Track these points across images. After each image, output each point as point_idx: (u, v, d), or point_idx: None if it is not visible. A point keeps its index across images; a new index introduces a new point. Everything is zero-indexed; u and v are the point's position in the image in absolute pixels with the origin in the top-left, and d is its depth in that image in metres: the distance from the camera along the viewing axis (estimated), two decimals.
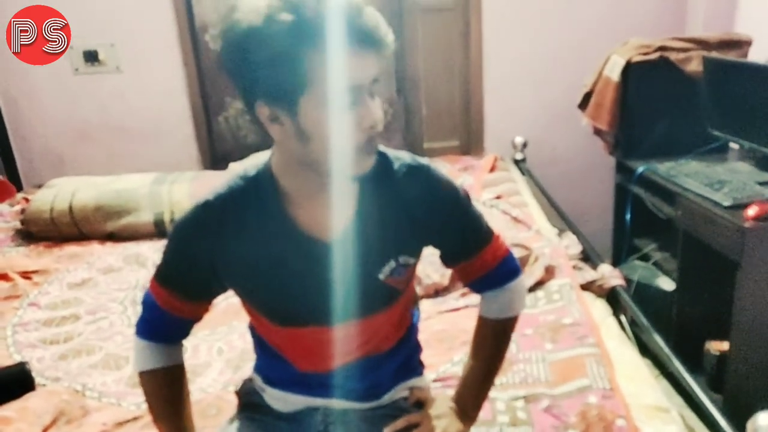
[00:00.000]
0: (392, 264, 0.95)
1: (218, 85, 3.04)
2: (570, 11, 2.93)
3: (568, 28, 2.94)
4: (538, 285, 1.79)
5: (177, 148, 3.08)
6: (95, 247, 2.38)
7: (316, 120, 0.80)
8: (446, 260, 1.06)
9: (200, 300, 1.01)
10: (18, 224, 2.52)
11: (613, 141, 2.60)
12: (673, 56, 2.36)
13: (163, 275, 0.98)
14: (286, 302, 0.95)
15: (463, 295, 1.79)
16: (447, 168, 2.60)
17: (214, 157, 3.13)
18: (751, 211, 1.76)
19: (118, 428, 1.35)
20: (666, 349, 1.46)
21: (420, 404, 1.09)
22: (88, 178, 2.66)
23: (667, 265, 2.37)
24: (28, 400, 1.43)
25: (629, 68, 2.38)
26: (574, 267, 1.89)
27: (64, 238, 2.45)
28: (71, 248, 2.38)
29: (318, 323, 0.96)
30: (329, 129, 0.80)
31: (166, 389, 1.04)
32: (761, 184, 1.97)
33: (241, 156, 2.78)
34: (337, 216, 0.91)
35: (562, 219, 2.33)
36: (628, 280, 2.04)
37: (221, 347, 1.66)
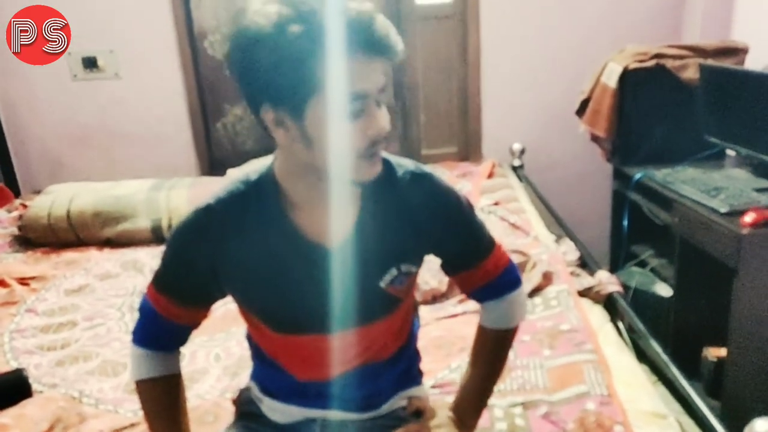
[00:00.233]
0: (393, 272, 0.94)
1: (217, 92, 3.05)
2: (567, 19, 2.94)
3: (566, 35, 2.95)
4: (536, 291, 1.79)
5: (175, 154, 3.08)
6: (93, 254, 2.38)
7: (321, 126, 0.79)
8: (447, 269, 1.05)
9: (199, 306, 0.99)
10: (15, 230, 2.52)
11: (611, 148, 2.61)
12: (669, 63, 2.37)
13: (162, 281, 0.97)
14: (285, 308, 0.94)
15: (461, 301, 1.79)
16: (445, 174, 2.61)
17: (212, 164, 3.13)
18: (748, 218, 1.76)
19: None
20: (663, 356, 1.46)
21: (418, 413, 1.08)
22: (86, 184, 2.66)
23: (665, 271, 2.37)
24: (25, 407, 1.42)
25: (626, 75, 2.40)
26: (572, 273, 1.90)
27: (62, 244, 2.44)
28: (69, 254, 2.38)
29: (317, 331, 0.95)
30: (334, 136, 0.80)
31: (164, 399, 1.02)
32: (758, 190, 1.98)
33: (239, 162, 2.79)
34: (339, 222, 0.90)
35: (560, 225, 2.33)
36: (625, 287, 2.04)
37: (219, 354, 1.66)
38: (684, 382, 1.34)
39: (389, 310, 0.99)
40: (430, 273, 1.83)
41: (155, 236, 2.42)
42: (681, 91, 2.38)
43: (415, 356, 1.14)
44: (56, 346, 1.75)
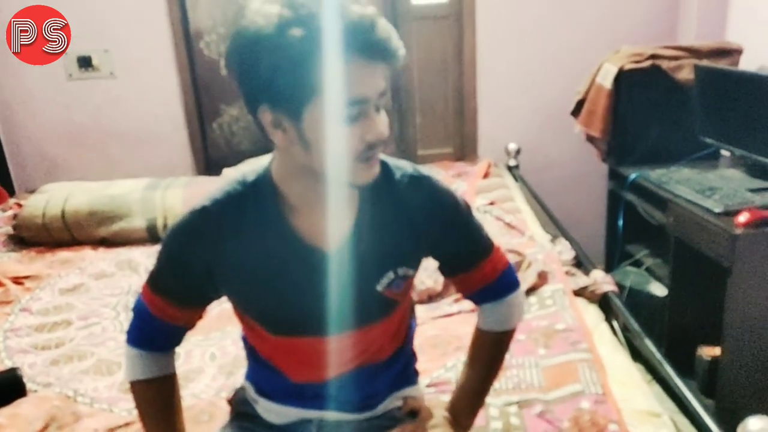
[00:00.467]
0: (391, 275, 0.94)
1: (212, 92, 3.04)
2: (563, 19, 2.95)
3: (561, 36, 2.96)
4: (531, 291, 1.79)
5: (171, 154, 3.07)
6: (87, 253, 2.37)
7: (319, 129, 0.78)
8: (445, 271, 1.05)
9: (194, 307, 0.99)
10: (10, 230, 2.51)
11: (606, 148, 2.62)
12: (664, 64, 2.38)
13: (157, 282, 0.96)
14: (282, 311, 0.94)
15: (457, 300, 1.80)
16: (441, 174, 2.61)
17: (208, 164, 3.13)
18: (742, 218, 1.77)
19: None
20: (658, 355, 1.47)
21: (414, 414, 1.08)
22: (81, 184, 2.66)
23: (659, 270, 2.38)
24: (20, 406, 1.41)
25: (621, 76, 2.40)
26: (567, 273, 1.90)
27: (57, 243, 2.44)
28: (63, 254, 2.37)
29: (314, 333, 0.95)
30: (332, 139, 0.79)
31: (158, 399, 1.02)
32: (752, 191, 1.98)
33: (234, 162, 2.79)
34: (336, 225, 0.89)
35: (555, 225, 2.34)
36: (620, 286, 2.05)
37: (214, 353, 1.66)
38: (678, 381, 1.35)
39: (386, 313, 0.99)
40: (426, 272, 1.84)
41: (150, 236, 2.41)
42: (676, 92, 2.38)
43: (412, 356, 1.14)
44: (51, 345, 1.75)
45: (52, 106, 2.98)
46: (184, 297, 0.95)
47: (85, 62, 2.91)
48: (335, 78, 0.76)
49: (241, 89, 0.82)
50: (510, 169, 2.95)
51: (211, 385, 1.52)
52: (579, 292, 1.81)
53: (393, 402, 1.09)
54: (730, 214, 1.82)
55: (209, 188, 0.92)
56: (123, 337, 1.02)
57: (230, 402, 1.15)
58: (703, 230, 1.90)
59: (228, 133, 3.12)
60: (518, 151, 2.96)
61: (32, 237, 2.45)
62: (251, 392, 1.09)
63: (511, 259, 1.80)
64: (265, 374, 1.05)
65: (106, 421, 1.38)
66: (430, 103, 3.13)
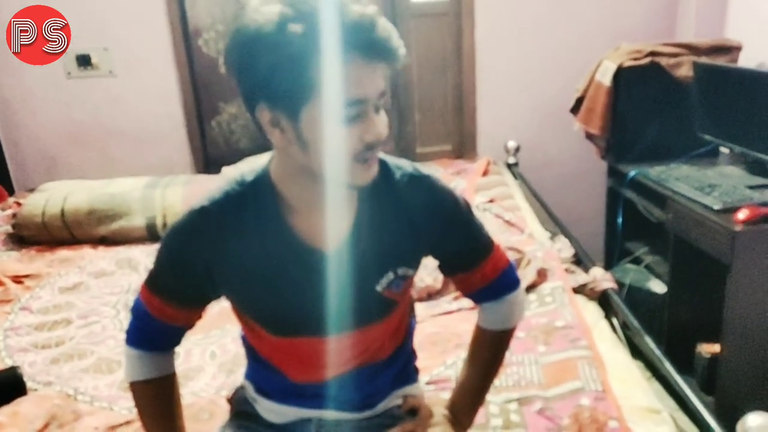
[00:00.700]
0: (390, 276, 0.94)
1: (211, 90, 3.04)
2: (562, 17, 2.95)
3: (561, 33, 2.96)
4: (531, 288, 1.80)
5: (170, 153, 3.07)
6: (87, 251, 2.37)
7: (317, 129, 0.78)
8: (445, 271, 1.05)
9: (193, 307, 0.98)
10: (9, 228, 2.51)
11: (605, 145, 2.61)
12: (663, 61, 2.38)
13: (155, 282, 0.95)
14: (281, 311, 0.93)
15: (456, 298, 1.80)
16: (440, 172, 2.61)
17: (207, 162, 3.12)
18: (741, 215, 1.77)
19: None
20: (657, 352, 1.47)
21: (414, 412, 1.08)
22: (80, 182, 2.65)
23: (659, 268, 2.38)
24: (20, 405, 1.42)
25: (620, 73, 2.40)
26: (567, 270, 1.90)
27: (56, 242, 2.44)
28: (63, 252, 2.37)
29: (313, 334, 0.94)
30: (330, 140, 0.78)
31: (158, 399, 1.02)
32: (751, 187, 1.98)
33: (234, 161, 2.79)
34: (335, 226, 0.89)
35: (555, 222, 2.34)
36: (619, 283, 2.05)
37: (214, 351, 1.66)
38: (678, 378, 1.35)
39: (386, 313, 0.98)
40: (426, 270, 1.84)
41: (150, 234, 2.41)
42: (675, 89, 2.38)
43: (412, 355, 1.14)
44: (51, 343, 1.75)
45: (52, 104, 2.98)
46: (183, 297, 0.95)
47: (84, 61, 2.91)
48: (334, 78, 0.75)
49: (239, 87, 0.81)
50: (509, 166, 2.95)
51: (211, 383, 1.52)
52: (578, 290, 1.81)
53: (393, 400, 1.09)
54: (730, 211, 1.82)
55: (208, 188, 0.91)
56: (123, 335, 1.01)
57: (230, 401, 1.15)
58: (702, 227, 1.90)
59: (227, 131, 3.11)
60: (517, 149, 2.96)
61: (32, 236, 2.45)
62: (251, 391, 1.09)
63: (511, 256, 1.79)
64: (264, 373, 1.05)
65: (106, 419, 1.38)
66: (429, 101, 3.12)
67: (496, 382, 1.37)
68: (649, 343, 1.52)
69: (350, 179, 0.83)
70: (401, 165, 0.94)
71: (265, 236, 0.88)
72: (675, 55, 2.39)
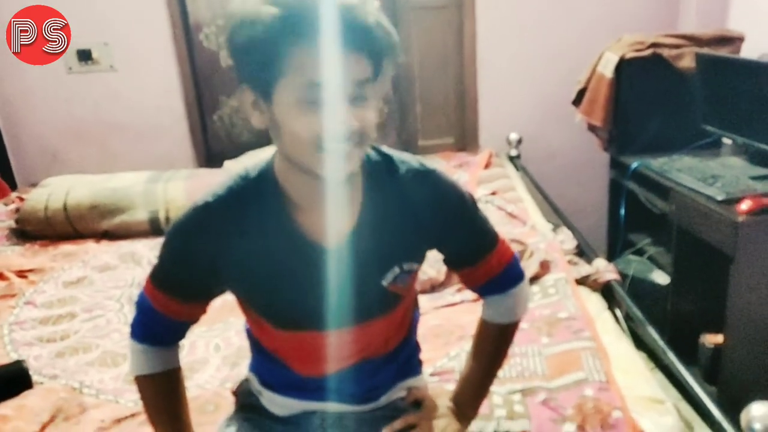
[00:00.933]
0: (396, 270, 0.93)
1: (212, 84, 3.04)
2: (564, 8, 2.94)
3: (562, 24, 2.95)
4: (534, 280, 1.80)
5: (172, 147, 3.07)
6: (90, 246, 2.38)
7: (286, 111, 0.79)
8: (450, 265, 1.05)
9: (197, 302, 0.99)
10: (13, 223, 2.52)
11: (607, 137, 2.61)
12: (666, 53, 2.38)
13: (160, 277, 0.95)
14: (285, 306, 0.94)
15: (459, 290, 1.80)
16: (442, 165, 2.61)
17: (209, 156, 3.12)
18: (744, 206, 1.77)
19: (115, 425, 1.35)
20: (661, 343, 1.47)
21: (417, 404, 1.08)
22: (82, 177, 2.66)
23: (662, 259, 2.39)
24: (26, 398, 1.42)
25: (622, 65, 2.40)
26: (569, 262, 1.90)
27: (59, 236, 2.44)
28: (66, 247, 2.37)
29: (317, 328, 0.95)
30: (298, 124, 0.78)
31: (163, 393, 1.02)
32: (754, 178, 1.98)
33: (235, 154, 2.79)
34: (339, 221, 0.89)
35: (557, 214, 2.34)
36: (622, 275, 2.06)
37: (218, 344, 1.67)
38: (681, 369, 1.35)
39: (391, 307, 0.98)
40: (429, 262, 1.84)
41: (153, 228, 2.41)
42: (677, 80, 2.38)
43: (415, 347, 1.14)
44: (56, 337, 1.75)
45: (53, 99, 2.98)
46: (187, 292, 0.95)
47: (84, 55, 2.90)
48: (301, 60, 0.76)
49: (234, 72, 0.84)
50: (511, 159, 2.94)
51: (216, 375, 1.52)
52: (581, 281, 1.82)
53: (397, 393, 1.09)
54: (732, 201, 1.82)
55: (211, 182, 0.91)
56: (127, 329, 1.02)
57: (235, 393, 1.16)
58: (705, 218, 1.90)
59: (228, 125, 3.11)
60: (519, 141, 2.96)
61: (35, 230, 2.45)
62: (255, 384, 1.09)
63: (514, 248, 1.80)
64: (268, 366, 1.06)
65: (111, 412, 1.39)
66: (430, 93, 3.12)
67: (500, 373, 1.38)
68: (653, 333, 1.52)
69: (319, 170, 0.82)
70: (406, 159, 0.94)
71: (268, 232, 0.88)
72: (677, 47, 2.39)
